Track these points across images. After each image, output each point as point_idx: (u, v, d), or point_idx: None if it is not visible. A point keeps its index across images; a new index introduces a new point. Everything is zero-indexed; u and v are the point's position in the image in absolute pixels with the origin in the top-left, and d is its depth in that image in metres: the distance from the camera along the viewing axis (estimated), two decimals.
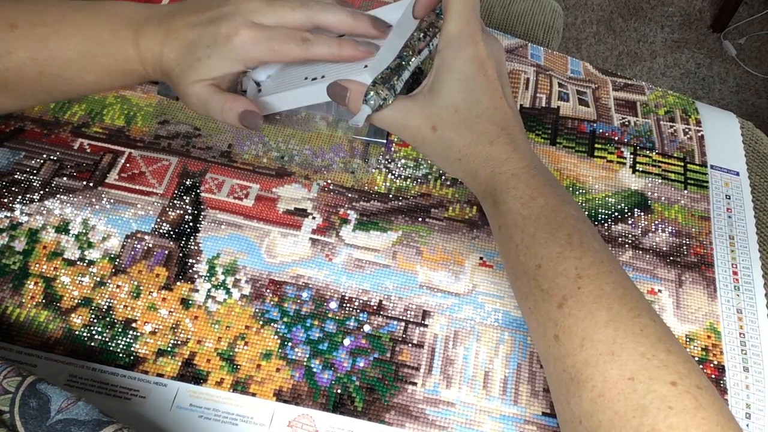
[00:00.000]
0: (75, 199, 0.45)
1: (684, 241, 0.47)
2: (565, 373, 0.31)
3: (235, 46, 0.38)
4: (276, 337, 0.40)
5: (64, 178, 0.46)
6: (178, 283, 0.42)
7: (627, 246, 0.46)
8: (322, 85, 0.38)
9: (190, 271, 0.42)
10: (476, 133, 0.36)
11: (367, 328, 0.41)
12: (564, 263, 0.32)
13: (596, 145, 0.51)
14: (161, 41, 0.39)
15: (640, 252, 0.46)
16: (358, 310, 0.42)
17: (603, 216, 0.47)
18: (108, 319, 0.40)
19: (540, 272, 0.32)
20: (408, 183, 0.48)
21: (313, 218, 0.46)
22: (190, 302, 0.41)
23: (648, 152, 0.51)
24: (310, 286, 0.43)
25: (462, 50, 0.35)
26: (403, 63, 0.37)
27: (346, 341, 0.41)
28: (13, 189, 0.45)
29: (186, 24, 0.39)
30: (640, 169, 0.50)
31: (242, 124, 0.39)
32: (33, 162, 0.46)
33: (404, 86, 0.38)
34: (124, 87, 0.51)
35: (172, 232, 0.44)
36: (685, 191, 0.49)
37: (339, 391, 0.39)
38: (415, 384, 0.40)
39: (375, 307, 0.42)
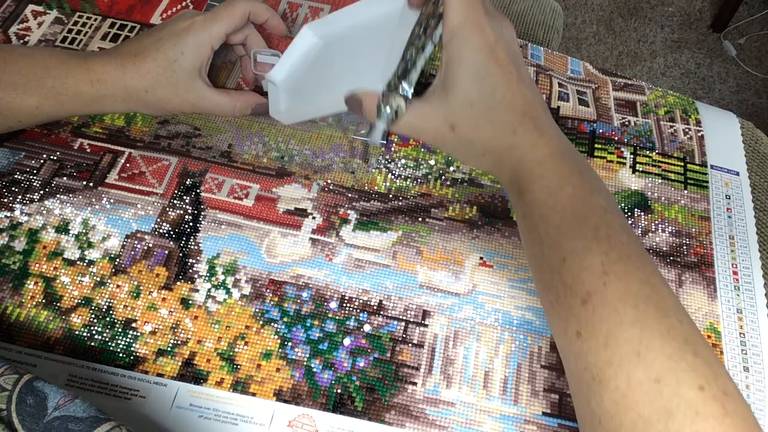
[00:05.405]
0: (75, 199, 0.45)
1: (684, 241, 0.47)
2: (586, 372, 0.30)
3: (198, 27, 0.43)
4: (276, 337, 0.40)
5: (64, 178, 0.46)
6: (178, 283, 0.42)
7: None
8: (339, 97, 0.39)
9: (190, 271, 0.42)
10: (497, 125, 0.34)
11: (367, 327, 0.41)
12: (589, 257, 0.30)
13: (596, 145, 0.51)
14: (120, 67, 0.43)
15: None
16: (358, 310, 0.42)
17: None
18: (108, 319, 0.40)
19: (564, 266, 0.31)
20: (408, 183, 0.48)
21: (313, 218, 0.46)
22: (190, 302, 0.41)
23: (648, 152, 0.51)
24: (310, 286, 0.43)
25: (468, 40, 0.33)
26: (409, 66, 0.35)
27: (346, 341, 0.41)
28: (13, 189, 0.45)
29: (138, 46, 0.43)
30: (640, 169, 0.50)
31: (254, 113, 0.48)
32: (33, 162, 0.46)
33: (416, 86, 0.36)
34: (66, 117, 0.48)
35: (172, 232, 0.44)
36: (685, 191, 0.49)
37: (339, 390, 0.39)
38: (415, 384, 0.40)
39: (375, 307, 0.42)
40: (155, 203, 0.45)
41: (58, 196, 0.45)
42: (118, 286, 0.41)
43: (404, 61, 0.36)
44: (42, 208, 0.44)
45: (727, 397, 0.27)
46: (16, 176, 0.45)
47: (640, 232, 0.47)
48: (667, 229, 0.47)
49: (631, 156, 0.51)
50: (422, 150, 0.50)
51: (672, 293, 0.31)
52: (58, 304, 0.41)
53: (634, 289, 0.30)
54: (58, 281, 0.41)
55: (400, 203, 0.47)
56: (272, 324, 0.41)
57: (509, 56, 0.34)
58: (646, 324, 0.29)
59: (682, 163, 0.51)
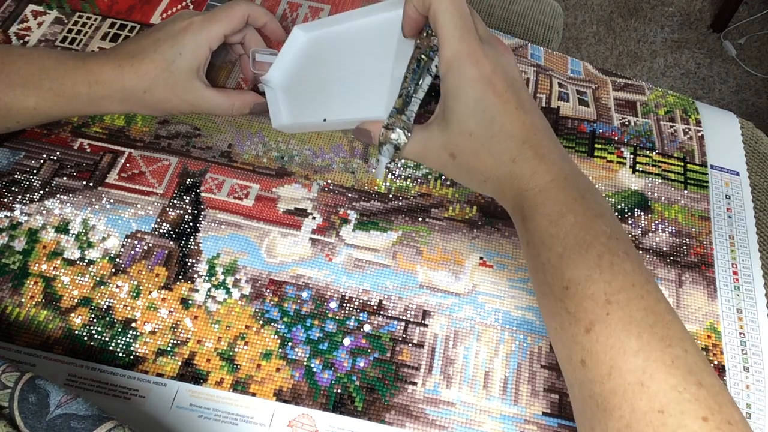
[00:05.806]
0: (75, 199, 0.45)
1: (684, 241, 0.47)
2: (591, 400, 0.30)
3: (196, 28, 0.43)
4: (276, 336, 0.40)
5: (64, 178, 0.46)
6: (178, 283, 0.42)
7: None
8: (341, 121, 0.40)
9: (190, 270, 0.42)
10: (496, 154, 0.34)
11: (367, 327, 0.41)
12: (592, 287, 0.30)
13: (596, 145, 0.51)
14: (118, 68, 0.43)
15: (640, 252, 0.46)
16: (358, 310, 0.42)
17: None
18: (108, 318, 0.40)
19: (567, 294, 0.31)
20: (408, 183, 0.48)
21: (313, 218, 0.46)
22: (190, 302, 0.41)
23: (648, 152, 0.51)
24: (310, 285, 0.43)
25: (464, 73, 0.33)
26: (408, 100, 0.36)
27: (346, 341, 0.41)
28: (13, 189, 0.45)
29: (136, 47, 0.43)
30: (640, 169, 0.50)
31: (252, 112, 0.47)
32: (33, 162, 0.46)
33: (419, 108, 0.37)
34: (65, 117, 0.48)
35: (172, 232, 0.44)
36: (685, 191, 0.49)
37: (339, 390, 0.39)
38: (415, 384, 0.40)
39: (375, 307, 0.42)
40: (155, 203, 0.45)
41: (58, 196, 0.45)
42: (117, 286, 0.41)
43: (402, 96, 0.36)
44: (42, 208, 0.44)
45: (732, 427, 0.27)
46: (16, 176, 0.45)
47: (640, 232, 0.47)
48: (667, 229, 0.47)
49: (631, 156, 0.51)
50: None
51: (677, 320, 0.31)
52: (57, 304, 0.41)
53: (638, 318, 0.30)
54: (57, 281, 0.41)
55: (400, 203, 0.47)
56: (272, 324, 0.41)
57: (506, 84, 0.34)
58: (650, 354, 0.29)
59: (682, 163, 0.51)
